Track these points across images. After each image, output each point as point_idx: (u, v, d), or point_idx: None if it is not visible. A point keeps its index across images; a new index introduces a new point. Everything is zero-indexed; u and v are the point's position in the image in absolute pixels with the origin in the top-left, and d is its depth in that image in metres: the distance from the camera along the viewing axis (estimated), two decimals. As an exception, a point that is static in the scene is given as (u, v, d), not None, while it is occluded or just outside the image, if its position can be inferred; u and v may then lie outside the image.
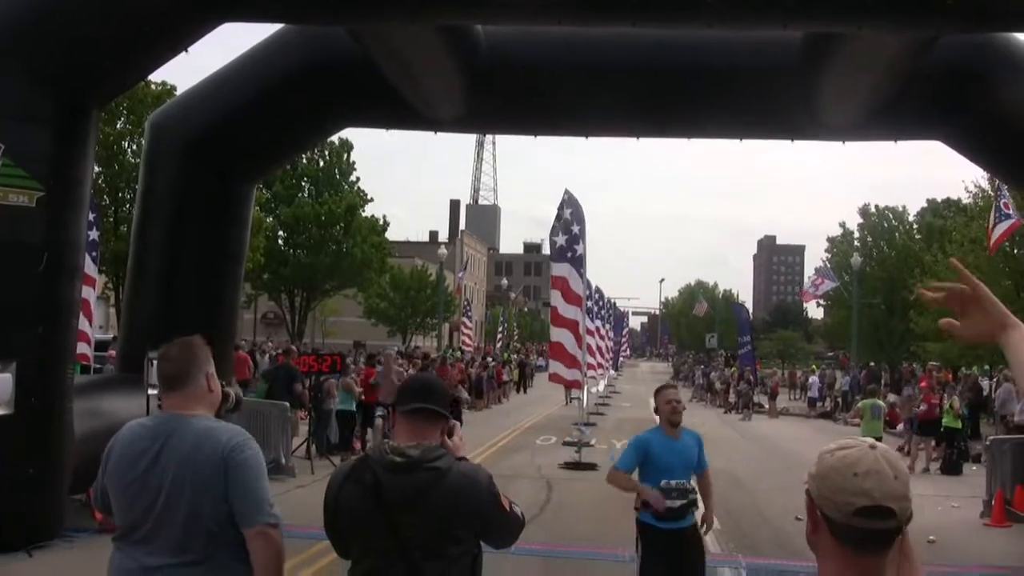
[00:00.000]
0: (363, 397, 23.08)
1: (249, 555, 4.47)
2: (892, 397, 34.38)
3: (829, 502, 2.44)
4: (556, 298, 23.02)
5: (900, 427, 30.84)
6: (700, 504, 8.45)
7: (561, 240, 23.27)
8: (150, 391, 10.94)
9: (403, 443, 4.14)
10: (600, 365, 41.35)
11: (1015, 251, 35.29)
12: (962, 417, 25.22)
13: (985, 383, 38.68)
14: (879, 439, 18.89)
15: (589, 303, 30.11)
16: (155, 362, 4.93)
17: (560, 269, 23.10)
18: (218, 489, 4.42)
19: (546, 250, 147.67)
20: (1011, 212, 25.63)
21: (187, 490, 4.42)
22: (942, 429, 24.70)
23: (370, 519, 4.06)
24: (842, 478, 2.42)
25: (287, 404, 19.81)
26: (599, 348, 40.50)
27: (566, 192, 23.88)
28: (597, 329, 40.07)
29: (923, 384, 29.27)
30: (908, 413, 27.55)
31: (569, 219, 23.33)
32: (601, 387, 46.51)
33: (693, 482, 8.34)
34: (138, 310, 16.36)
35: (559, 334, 22.81)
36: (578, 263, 23.15)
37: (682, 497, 8.09)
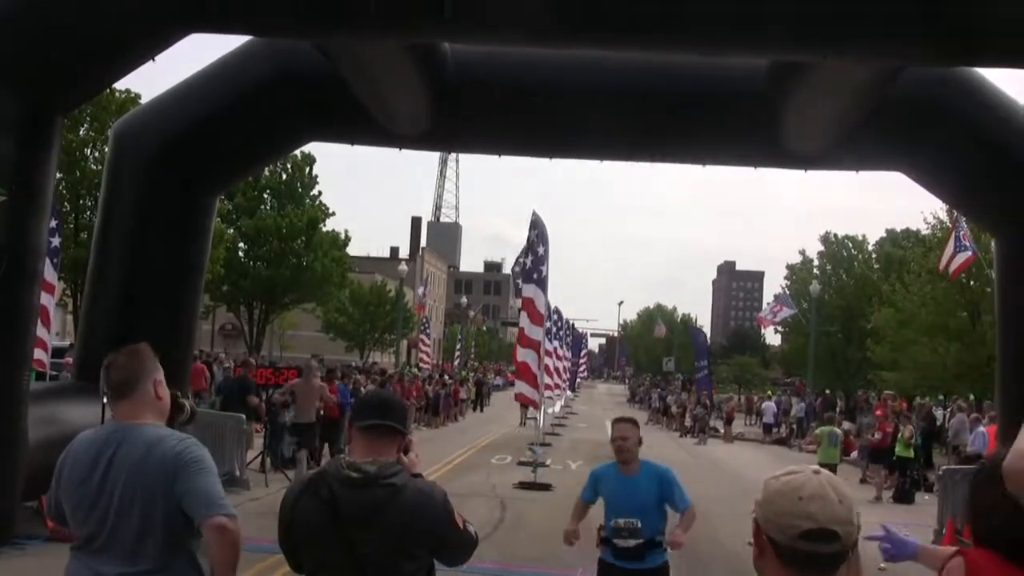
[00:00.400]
0: (321, 412, 22.81)
1: (202, 565, 4.48)
2: (847, 424, 34.59)
3: (775, 525, 2.49)
4: (523, 319, 23.06)
5: (854, 454, 31.07)
6: (667, 544, 7.86)
7: (528, 261, 23.34)
8: (105, 400, 10.86)
9: (359, 459, 4.17)
10: (557, 386, 41.40)
11: (971, 283, 35.63)
12: (915, 446, 25.41)
13: (939, 413, 39.00)
14: (835, 466, 18.82)
15: (548, 324, 30.13)
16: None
17: (528, 290, 23.16)
18: (170, 491, 4.41)
19: (506, 269, 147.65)
20: (968, 244, 26.02)
21: (139, 496, 4.41)
22: (894, 458, 24.89)
23: (325, 534, 4.08)
24: (787, 501, 2.47)
25: (243, 416, 19.58)
26: (556, 369, 40.56)
27: (533, 214, 23.91)
28: (555, 350, 40.12)
29: (879, 412, 29.47)
30: (867, 441, 27.79)
31: (535, 240, 23.39)
32: (557, 408, 46.49)
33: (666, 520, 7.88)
34: (96, 318, 16.19)
35: (525, 354, 22.82)
36: (542, 284, 23.22)
37: (634, 537, 7.62)
